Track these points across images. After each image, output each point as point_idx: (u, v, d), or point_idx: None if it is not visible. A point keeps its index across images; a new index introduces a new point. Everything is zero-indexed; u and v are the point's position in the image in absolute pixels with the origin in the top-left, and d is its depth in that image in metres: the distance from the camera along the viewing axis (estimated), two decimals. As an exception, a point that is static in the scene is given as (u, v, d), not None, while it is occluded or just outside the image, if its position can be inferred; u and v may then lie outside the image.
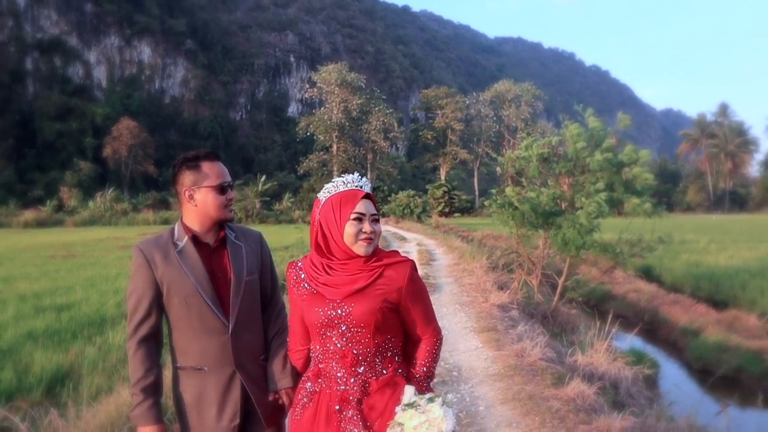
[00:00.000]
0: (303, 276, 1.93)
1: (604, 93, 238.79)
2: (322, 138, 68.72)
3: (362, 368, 1.85)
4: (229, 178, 2.17)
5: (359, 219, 1.85)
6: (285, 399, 2.12)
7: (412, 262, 1.95)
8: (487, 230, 26.84)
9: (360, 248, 1.85)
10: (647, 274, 15.07)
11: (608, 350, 6.16)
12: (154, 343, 2.12)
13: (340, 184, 1.91)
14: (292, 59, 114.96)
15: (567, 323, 8.98)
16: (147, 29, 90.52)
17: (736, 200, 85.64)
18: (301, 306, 1.92)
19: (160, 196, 60.22)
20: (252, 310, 2.17)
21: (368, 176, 60.69)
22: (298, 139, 78.23)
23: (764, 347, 8.52)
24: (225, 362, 2.09)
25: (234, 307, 2.09)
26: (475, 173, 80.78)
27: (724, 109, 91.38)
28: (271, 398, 2.13)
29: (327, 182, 1.96)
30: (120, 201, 51.24)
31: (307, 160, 68.01)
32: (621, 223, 9.08)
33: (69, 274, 12.52)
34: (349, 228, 1.84)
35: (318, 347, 1.91)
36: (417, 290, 1.92)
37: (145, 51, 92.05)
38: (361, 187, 1.90)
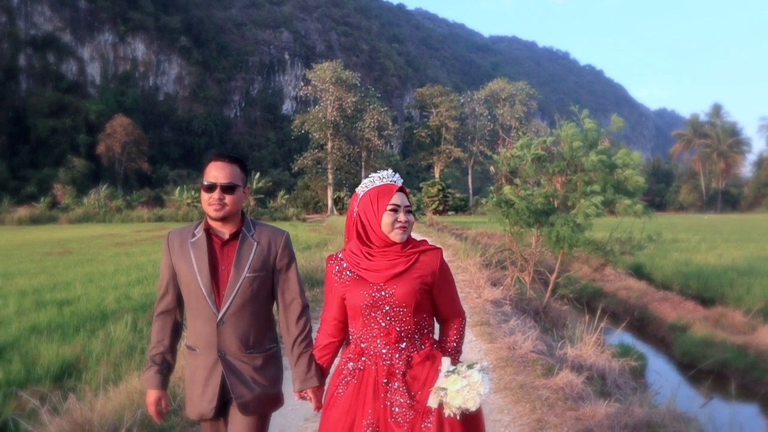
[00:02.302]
0: (345, 265, 2.14)
1: (599, 92, 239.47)
2: (316, 136, 68.64)
3: (404, 344, 2.07)
4: (217, 180, 2.24)
5: (395, 210, 2.07)
6: (312, 397, 2.28)
7: (441, 249, 2.19)
8: (481, 228, 26.96)
9: (396, 236, 2.07)
10: (638, 271, 15.25)
11: (597, 343, 6.36)
12: (169, 318, 2.38)
13: (376, 179, 2.14)
14: (286, 57, 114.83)
15: (558, 318, 9.16)
16: (141, 26, 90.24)
17: (728, 200, 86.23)
18: (344, 292, 2.12)
19: (154, 193, 60.23)
20: (249, 304, 2.26)
21: (362, 174, 60.72)
22: (292, 137, 78.32)
23: (749, 342, 8.73)
24: (211, 348, 2.26)
25: (227, 298, 2.22)
26: (470, 171, 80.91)
27: (717, 110, 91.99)
28: (297, 398, 2.30)
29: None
30: (114, 198, 51.15)
31: (301, 158, 67.99)
32: (612, 221, 9.25)
33: (67, 270, 12.62)
34: (386, 218, 2.06)
35: (360, 328, 2.10)
36: (447, 274, 2.17)
37: (139, 48, 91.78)
38: (395, 181, 2.14)
